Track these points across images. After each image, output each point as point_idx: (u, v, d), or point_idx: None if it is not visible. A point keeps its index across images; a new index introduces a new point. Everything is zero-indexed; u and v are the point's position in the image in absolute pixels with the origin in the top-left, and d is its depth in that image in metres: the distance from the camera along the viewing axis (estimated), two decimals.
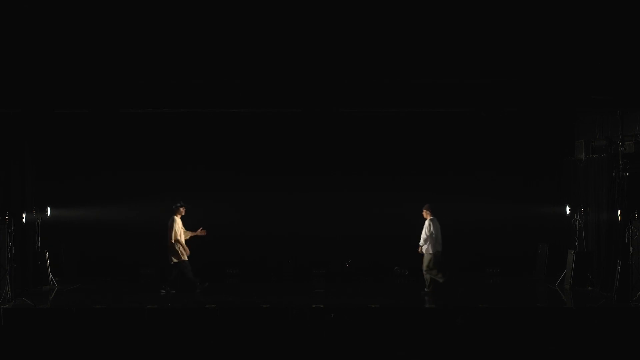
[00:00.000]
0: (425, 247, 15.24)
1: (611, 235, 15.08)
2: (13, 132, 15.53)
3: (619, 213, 14.59)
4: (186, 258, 15.45)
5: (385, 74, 13.59)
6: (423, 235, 15.29)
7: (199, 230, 15.61)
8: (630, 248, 13.91)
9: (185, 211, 15.63)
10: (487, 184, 17.67)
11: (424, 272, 15.30)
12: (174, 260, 15.37)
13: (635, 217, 13.96)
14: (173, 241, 15.33)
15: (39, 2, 12.84)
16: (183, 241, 15.46)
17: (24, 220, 15.59)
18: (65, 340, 12.61)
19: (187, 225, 15.68)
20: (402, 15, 13.12)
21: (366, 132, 17.55)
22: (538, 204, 17.58)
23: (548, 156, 17.81)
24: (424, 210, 15.49)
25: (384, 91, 13.76)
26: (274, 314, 13.23)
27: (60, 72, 13.41)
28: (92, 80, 13.55)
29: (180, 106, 14.16)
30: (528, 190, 17.74)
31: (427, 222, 15.32)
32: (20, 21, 12.91)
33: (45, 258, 16.37)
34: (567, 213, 17.09)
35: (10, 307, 13.48)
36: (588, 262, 15.92)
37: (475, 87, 13.74)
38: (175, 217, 15.51)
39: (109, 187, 17.53)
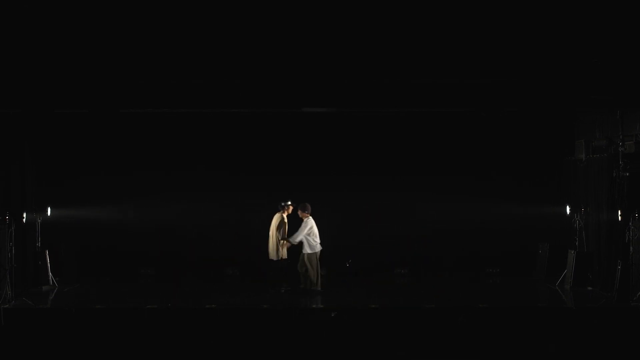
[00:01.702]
0: (303, 245, 15.28)
1: (611, 235, 15.08)
2: (13, 132, 15.53)
3: (619, 213, 14.59)
4: (286, 256, 15.46)
5: (385, 74, 13.59)
6: (309, 239, 15.26)
7: (283, 242, 15.48)
8: (631, 248, 13.92)
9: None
10: (487, 184, 17.65)
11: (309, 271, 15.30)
12: (281, 257, 15.37)
13: (635, 217, 13.96)
14: (281, 239, 15.34)
15: (39, 2, 12.84)
16: (284, 240, 15.47)
17: (24, 220, 15.58)
18: (65, 340, 12.62)
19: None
20: (401, 16, 13.11)
21: (366, 132, 17.53)
22: (538, 204, 17.56)
23: (548, 156, 17.77)
24: (299, 211, 15.45)
25: (384, 91, 13.76)
26: (274, 314, 13.23)
27: (60, 72, 13.41)
28: (92, 80, 13.55)
29: (180, 106, 14.17)
30: (528, 190, 17.70)
31: (309, 223, 15.28)
32: (20, 21, 12.91)
33: (45, 258, 16.34)
34: (567, 213, 17.08)
35: (10, 307, 13.47)
36: (588, 262, 15.90)
37: (475, 87, 13.74)
38: (283, 214, 15.50)
39: (109, 187, 17.49)
